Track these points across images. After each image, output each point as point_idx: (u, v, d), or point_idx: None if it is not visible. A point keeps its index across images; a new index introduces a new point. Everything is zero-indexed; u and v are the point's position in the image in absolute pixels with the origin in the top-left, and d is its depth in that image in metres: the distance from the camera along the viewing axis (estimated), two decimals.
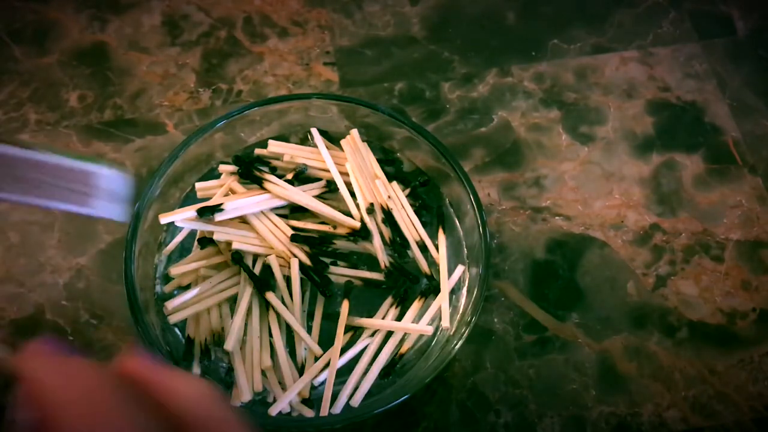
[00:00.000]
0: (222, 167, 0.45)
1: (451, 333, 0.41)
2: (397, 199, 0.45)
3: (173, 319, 0.41)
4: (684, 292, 0.48)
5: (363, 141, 0.46)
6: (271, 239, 0.43)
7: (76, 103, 0.54)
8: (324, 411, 0.39)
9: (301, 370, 0.41)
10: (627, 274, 0.49)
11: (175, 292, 0.42)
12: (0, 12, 0.58)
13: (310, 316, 0.42)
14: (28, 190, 0.31)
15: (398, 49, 0.57)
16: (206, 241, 0.43)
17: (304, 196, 0.44)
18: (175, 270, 0.42)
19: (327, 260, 0.43)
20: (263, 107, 0.45)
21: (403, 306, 0.43)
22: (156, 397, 0.22)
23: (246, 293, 0.41)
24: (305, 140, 0.47)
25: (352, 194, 0.44)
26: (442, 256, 0.44)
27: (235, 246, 0.42)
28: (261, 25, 0.58)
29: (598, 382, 0.45)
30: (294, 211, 0.44)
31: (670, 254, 0.49)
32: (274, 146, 0.46)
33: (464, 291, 0.43)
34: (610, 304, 0.48)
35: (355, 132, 0.46)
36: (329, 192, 0.45)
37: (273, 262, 0.42)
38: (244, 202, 0.42)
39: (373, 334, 0.42)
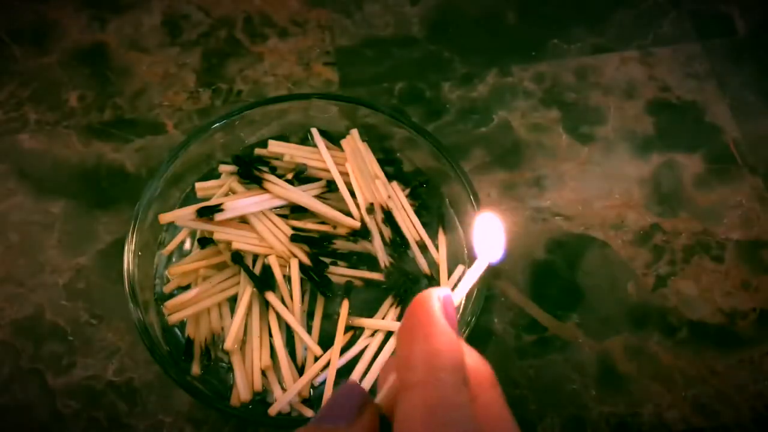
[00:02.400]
0: (222, 167, 0.45)
1: None
2: (397, 199, 0.45)
3: (173, 319, 0.41)
4: (684, 292, 0.48)
5: (363, 141, 0.46)
6: (271, 239, 0.43)
7: (76, 103, 0.54)
8: None
9: (301, 370, 0.41)
10: (627, 274, 0.49)
11: (175, 292, 0.42)
12: (0, 12, 0.59)
13: (310, 316, 0.42)
14: None
15: (398, 49, 0.57)
16: (206, 241, 0.43)
17: (304, 196, 0.44)
18: (175, 270, 0.42)
19: (327, 260, 0.43)
20: (263, 107, 0.45)
21: (403, 306, 0.43)
22: None
23: (246, 293, 0.41)
24: (305, 140, 0.47)
25: (352, 194, 0.44)
26: (442, 256, 0.44)
27: (235, 246, 0.42)
28: (261, 25, 0.58)
29: (598, 382, 0.45)
30: (294, 211, 0.44)
31: (670, 254, 0.49)
32: (274, 146, 0.46)
33: None
34: (610, 304, 0.48)
35: (355, 132, 0.46)
36: (329, 192, 0.45)
37: (273, 262, 0.42)
38: (244, 202, 0.42)
39: (373, 334, 0.42)
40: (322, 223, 0.44)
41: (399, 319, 0.42)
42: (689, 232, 0.50)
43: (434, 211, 0.46)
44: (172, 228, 0.45)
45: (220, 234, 0.42)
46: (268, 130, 0.48)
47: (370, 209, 0.44)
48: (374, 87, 0.55)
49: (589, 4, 0.60)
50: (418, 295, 0.23)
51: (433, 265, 0.44)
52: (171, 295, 0.42)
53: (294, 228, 0.43)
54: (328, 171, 0.45)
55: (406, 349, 0.22)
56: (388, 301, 0.43)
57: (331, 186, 0.45)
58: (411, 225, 0.44)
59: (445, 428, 0.19)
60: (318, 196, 0.45)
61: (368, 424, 0.22)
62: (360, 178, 0.44)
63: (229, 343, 0.40)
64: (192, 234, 0.44)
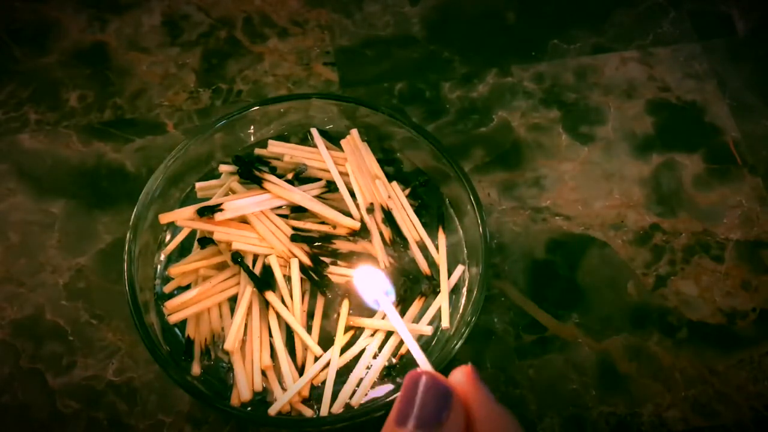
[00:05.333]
0: (222, 167, 0.45)
1: (451, 333, 0.41)
2: (397, 199, 0.45)
3: (173, 319, 0.41)
4: (684, 292, 0.48)
5: (363, 141, 0.46)
6: (271, 239, 0.43)
7: (76, 103, 0.54)
8: (324, 411, 0.39)
9: (301, 370, 0.41)
10: (627, 274, 0.49)
11: (175, 292, 0.42)
12: (0, 12, 0.59)
13: (310, 316, 0.42)
14: None
15: (398, 49, 0.57)
16: (206, 241, 0.43)
17: (304, 196, 0.44)
18: (175, 270, 0.42)
19: (327, 260, 0.43)
20: (263, 107, 0.45)
21: (403, 306, 0.43)
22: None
23: (246, 293, 0.41)
24: (305, 140, 0.47)
25: (352, 194, 0.44)
26: (442, 256, 0.44)
27: (235, 246, 0.42)
28: (261, 25, 0.58)
29: (598, 382, 0.45)
30: (294, 211, 0.44)
31: (670, 254, 0.49)
32: (274, 146, 0.46)
33: (464, 291, 0.43)
34: (610, 304, 0.48)
35: (355, 132, 0.46)
36: (329, 192, 0.45)
37: (273, 262, 0.42)
38: (244, 202, 0.42)
39: (373, 334, 0.42)
40: (322, 223, 0.44)
41: None
42: (689, 232, 0.50)
43: (434, 211, 0.46)
44: (172, 228, 0.45)
45: (220, 234, 0.42)
46: (268, 130, 0.48)
47: (370, 209, 0.44)
48: (374, 87, 0.55)
49: (589, 4, 0.60)
50: (464, 384, 0.25)
51: (433, 265, 0.44)
52: (171, 295, 0.42)
53: (294, 228, 0.43)
54: (328, 171, 0.45)
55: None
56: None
57: (331, 186, 0.45)
58: (411, 225, 0.44)
59: None
60: (318, 196, 0.45)
61: (461, 417, 0.23)
62: (360, 178, 0.44)
63: (229, 343, 0.40)
64: (192, 234, 0.44)
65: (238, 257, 0.42)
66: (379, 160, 0.46)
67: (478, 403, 0.23)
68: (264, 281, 0.41)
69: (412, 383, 0.24)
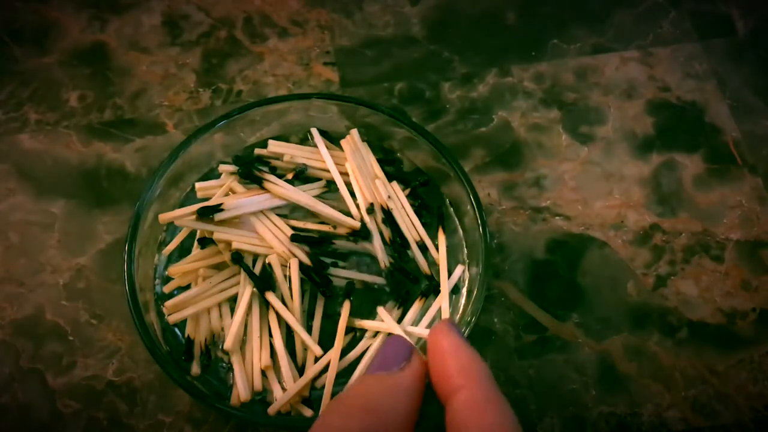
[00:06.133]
0: (222, 167, 0.45)
1: None
2: (397, 199, 0.45)
3: (173, 319, 0.41)
4: (684, 292, 0.48)
5: (363, 141, 0.46)
6: (271, 239, 0.43)
7: (76, 103, 0.54)
8: None
9: (301, 370, 0.41)
10: (627, 274, 0.49)
11: (175, 292, 0.42)
12: (0, 12, 0.59)
13: (310, 316, 0.42)
14: None
15: (398, 49, 0.57)
16: (206, 241, 0.43)
17: (304, 196, 0.44)
18: (174, 270, 0.42)
19: (327, 260, 0.43)
20: (263, 107, 0.45)
21: (404, 308, 0.43)
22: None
23: (246, 293, 0.41)
24: (305, 140, 0.47)
25: (352, 194, 0.44)
26: (442, 256, 0.44)
27: (235, 246, 0.42)
28: (261, 25, 0.58)
29: (598, 382, 0.45)
30: (294, 211, 0.44)
31: (670, 254, 0.49)
32: (274, 146, 0.46)
33: (464, 291, 0.43)
34: (610, 304, 0.48)
35: (355, 132, 0.46)
36: (329, 192, 0.45)
37: (273, 261, 0.42)
38: (244, 202, 0.42)
39: (375, 335, 0.42)
40: (322, 223, 0.44)
41: (400, 320, 0.42)
42: (689, 232, 0.50)
43: (434, 211, 0.46)
44: (172, 228, 0.45)
45: (220, 234, 0.42)
46: (268, 130, 0.48)
47: (370, 209, 0.44)
48: (374, 87, 0.55)
49: (589, 4, 0.60)
50: (436, 327, 0.28)
51: (433, 265, 0.44)
52: (171, 295, 0.42)
53: (294, 228, 0.43)
54: (328, 171, 0.45)
55: (443, 364, 0.26)
56: (390, 304, 0.43)
57: (331, 186, 0.45)
58: (411, 225, 0.44)
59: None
60: (318, 196, 0.45)
61: (418, 368, 0.26)
62: (360, 178, 0.44)
63: (229, 343, 0.40)
64: (192, 234, 0.44)
65: (238, 257, 0.42)
66: (379, 160, 0.46)
67: (447, 339, 0.27)
68: (264, 281, 0.41)
69: (383, 344, 0.28)
